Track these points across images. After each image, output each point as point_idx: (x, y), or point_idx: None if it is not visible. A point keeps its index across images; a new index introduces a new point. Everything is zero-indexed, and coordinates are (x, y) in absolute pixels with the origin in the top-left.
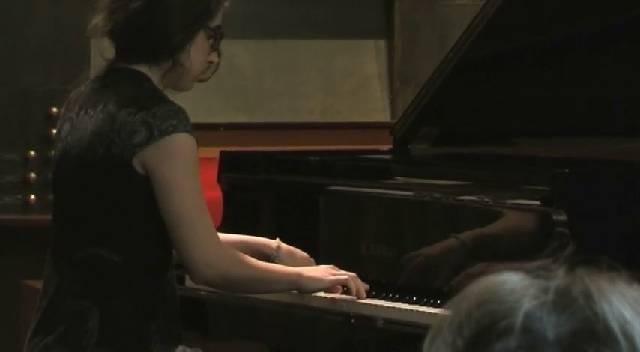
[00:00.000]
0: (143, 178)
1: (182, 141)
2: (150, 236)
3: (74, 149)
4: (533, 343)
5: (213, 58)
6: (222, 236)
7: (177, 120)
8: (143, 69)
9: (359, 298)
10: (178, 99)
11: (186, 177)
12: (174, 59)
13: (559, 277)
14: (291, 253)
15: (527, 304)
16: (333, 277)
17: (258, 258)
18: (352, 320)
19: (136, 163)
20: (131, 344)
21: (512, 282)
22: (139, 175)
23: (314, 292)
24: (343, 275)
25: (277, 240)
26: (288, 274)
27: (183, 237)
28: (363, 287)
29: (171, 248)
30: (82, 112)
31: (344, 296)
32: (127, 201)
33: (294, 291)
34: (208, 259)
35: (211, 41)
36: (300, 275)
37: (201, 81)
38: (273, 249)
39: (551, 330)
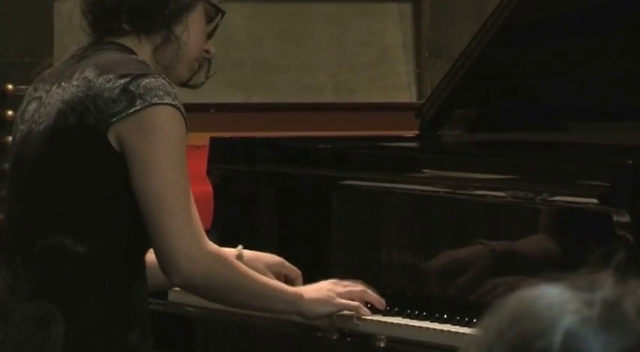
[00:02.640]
0: (117, 155)
1: (167, 114)
2: (120, 226)
3: (41, 125)
4: None
5: (210, 46)
6: None
7: (164, 91)
8: (131, 43)
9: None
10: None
11: (169, 155)
12: (169, 29)
13: (607, 288)
14: (256, 260)
15: (567, 320)
16: (340, 301)
17: None
18: (370, 342)
19: (112, 137)
20: None
21: (550, 296)
22: (113, 151)
23: (318, 318)
24: (350, 295)
25: (239, 247)
26: (286, 292)
27: (161, 224)
28: (379, 302)
29: (144, 246)
30: (55, 87)
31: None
32: (96, 180)
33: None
34: (190, 252)
35: (210, 21)
36: (301, 297)
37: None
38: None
39: (598, 351)
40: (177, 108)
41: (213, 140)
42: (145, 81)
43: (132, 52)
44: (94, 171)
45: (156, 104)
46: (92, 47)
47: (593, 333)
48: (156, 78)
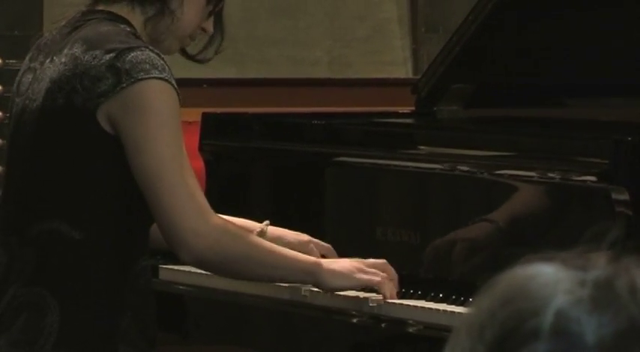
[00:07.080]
0: (111, 137)
1: (156, 89)
2: (119, 209)
3: (34, 102)
4: (567, 347)
5: (208, 25)
6: None
7: (151, 65)
8: (124, 12)
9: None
10: None
11: (161, 130)
12: (164, 2)
13: (599, 268)
14: (278, 239)
15: (559, 300)
16: (363, 276)
17: None
18: (365, 322)
19: (102, 117)
20: (96, 346)
21: (544, 275)
22: (105, 133)
23: (336, 290)
24: (375, 274)
25: (265, 222)
26: (303, 262)
27: (163, 203)
28: (395, 290)
29: (146, 228)
30: (48, 61)
31: (363, 294)
32: (91, 163)
33: (306, 289)
34: (197, 227)
35: (210, 5)
36: (319, 266)
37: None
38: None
39: (591, 333)
40: (166, 80)
41: (205, 116)
42: (131, 55)
43: (123, 20)
44: (86, 155)
45: (142, 79)
46: (85, 16)
47: (585, 314)
48: (142, 50)
